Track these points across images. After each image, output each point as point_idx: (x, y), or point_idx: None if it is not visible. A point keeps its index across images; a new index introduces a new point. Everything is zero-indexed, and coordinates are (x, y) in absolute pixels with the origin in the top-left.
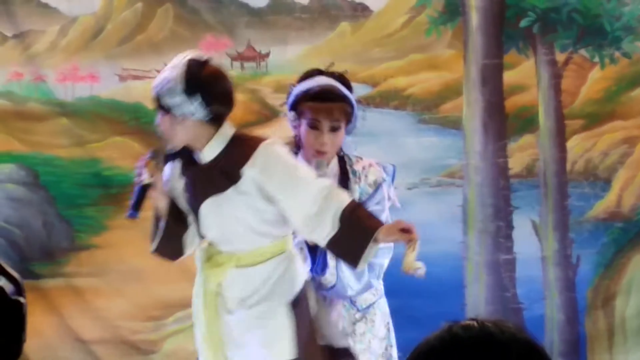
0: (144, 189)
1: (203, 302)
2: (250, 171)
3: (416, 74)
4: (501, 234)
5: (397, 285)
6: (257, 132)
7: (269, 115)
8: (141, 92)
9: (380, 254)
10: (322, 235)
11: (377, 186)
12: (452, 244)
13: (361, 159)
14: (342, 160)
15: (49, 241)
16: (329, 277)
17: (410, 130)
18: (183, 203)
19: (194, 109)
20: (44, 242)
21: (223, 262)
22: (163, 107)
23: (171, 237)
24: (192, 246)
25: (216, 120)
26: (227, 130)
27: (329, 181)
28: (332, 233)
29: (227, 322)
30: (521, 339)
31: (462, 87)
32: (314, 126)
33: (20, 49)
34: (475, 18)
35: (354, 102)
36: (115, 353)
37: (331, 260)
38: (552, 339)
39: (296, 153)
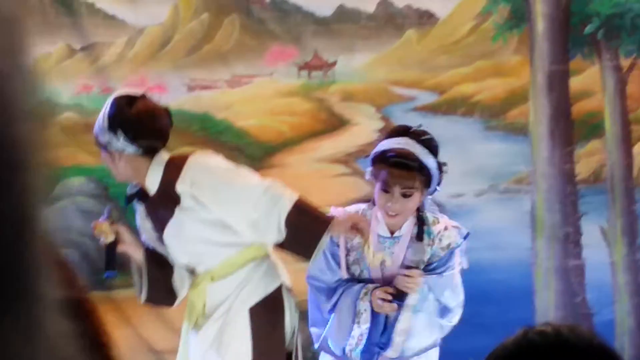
0: (111, 248)
1: (186, 326)
2: (182, 187)
3: (483, 80)
4: (570, 240)
5: (466, 293)
6: (325, 141)
7: (336, 124)
8: (209, 102)
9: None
10: (271, 240)
11: (451, 251)
12: (521, 250)
13: (439, 220)
14: (420, 220)
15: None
16: (391, 354)
17: (478, 137)
18: (157, 244)
19: (122, 145)
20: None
21: (200, 281)
22: (100, 144)
23: (158, 284)
24: (183, 287)
25: (150, 152)
26: (162, 157)
27: (268, 182)
28: (280, 239)
29: (193, 342)
30: (596, 345)
31: (528, 93)
32: (385, 190)
33: (89, 61)
34: (541, 24)
35: (432, 168)
36: None
37: (398, 337)
38: (623, 344)
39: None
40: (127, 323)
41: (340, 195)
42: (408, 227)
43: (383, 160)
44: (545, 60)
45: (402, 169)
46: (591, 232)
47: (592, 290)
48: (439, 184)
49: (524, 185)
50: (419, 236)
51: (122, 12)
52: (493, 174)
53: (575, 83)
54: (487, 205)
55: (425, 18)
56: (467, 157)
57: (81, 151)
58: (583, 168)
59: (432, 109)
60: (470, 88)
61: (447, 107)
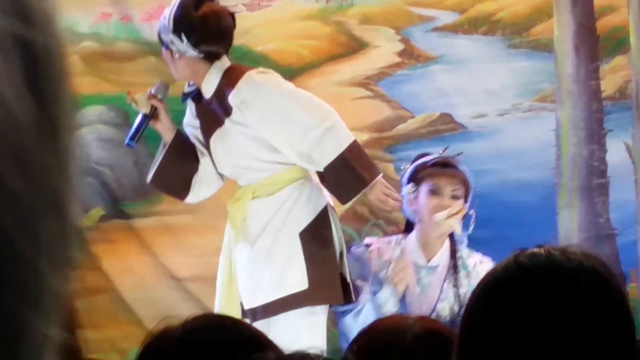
0: (145, 119)
1: (228, 240)
2: (234, 100)
3: None
4: (595, 158)
5: (490, 215)
6: (345, 64)
7: (355, 47)
8: None
9: None
10: (315, 169)
11: None
12: (546, 170)
13: (472, 254)
14: (454, 249)
15: (141, 181)
16: None
17: (501, 56)
18: (200, 145)
19: (184, 47)
20: (135, 182)
21: (241, 196)
22: (163, 42)
23: (173, 171)
24: (206, 189)
25: (211, 58)
26: (222, 64)
27: (325, 113)
28: (323, 172)
29: (239, 258)
30: (588, 268)
31: (552, 9)
32: (435, 192)
33: None
34: None
35: (470, 181)
36: (210, 290)
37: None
38: None
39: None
40: (149, 251)
41: (360, 118)
42: (443, 256)
43: (427, 167)
44: None
45: (450, 167)
46: (616, 149)
47: (616, 210)
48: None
49: (549, 103)
50: (455, 267)
51: None
52: (517, 92)
53: None
54: (510, 124)
55: None
56: (490, 76)
57: (101, 80)
58: (608, 84)
59: (453, 29)
60: (492, 6)
61: (468, 26)
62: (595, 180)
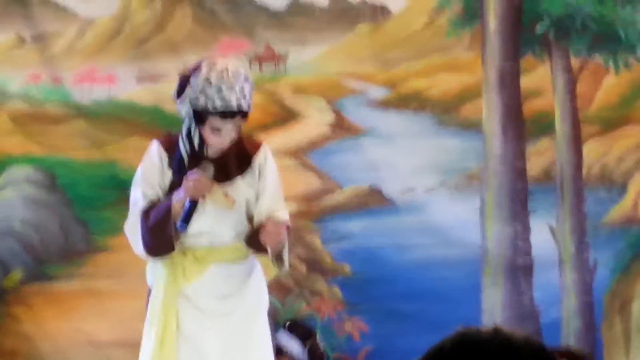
0: (196, 203)
1: (165, 298)
2: (256, 162)
3: (435, 75)
4: (519, 238)
5: (415, 290)
6: (275, 134)
7: (287, 116)
8: (158, 94)
9: None
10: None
11: None
12: (470, 248)
13: None
14: None
15: (66, 243)
16: None
17: (430, 133)
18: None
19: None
20: (60, 244)
21: (203, 256)
22: (245, 113)
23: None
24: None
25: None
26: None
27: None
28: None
29: (202, 324)
30: (535, 343)
31: (481, 89)
32: None
33: (38, 50)
34: (493, 22)
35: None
36: (131, 356)
37: None
38: (569, 343)
39: None
40: (68, 315)
41: (289, 188)
42: None
43: None
44: (496, 57)
45: None
46: (540, 230)
47: (540, 289)
48: None
49: (475, 182)
50: None
51: (74, 2)
52: (444, 169)
53: (527, 81)
54: (437, 201)
55: (379, 12)
56: (419, 152)
57: (29, 140)
58: (533, 166)
59: (384, 104)
60: (423, 83)
61: (399, 102)
62: (519, 260)
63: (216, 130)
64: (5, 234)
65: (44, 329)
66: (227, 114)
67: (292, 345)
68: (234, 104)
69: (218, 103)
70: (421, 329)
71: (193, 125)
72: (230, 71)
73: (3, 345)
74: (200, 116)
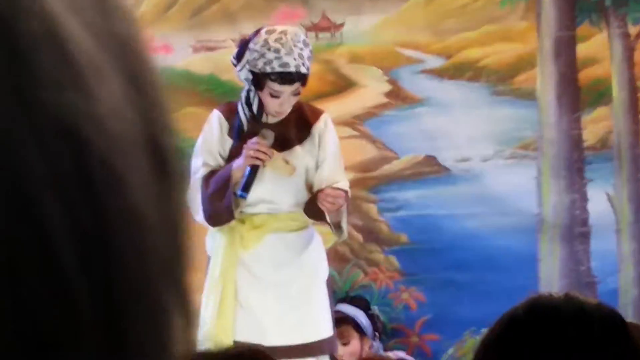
0: (255, 171)
1: (224, 266)
2: (316, 130)
3: (490, 45)
4: (576, 207)
5: (471, 259)
6: (332, 103)
7: (343, 85)
8: (215, 63)
9: None
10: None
11: None
12: (527, 217)
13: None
14: None
15: None
16: None
17: (484, 102)
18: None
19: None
20: None
21: (262, 224)
22: (304, 78)
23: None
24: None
25: None
26: None
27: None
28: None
29: (260, 292)
30: (605, 309)
31: (535, 59)
32: None
33: None
34: None
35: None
36: None
37: None
38: (626, 313)
39: None
40: None
41: (346, 157)
42: None
43: None
44: (552, 26)
45: None
46: (598, 198)
47: (597, 258)
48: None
49: (531, 151)
50: None
51: None
52: (500, 139)
53: (583, 49)
54: (493, 170)
55: None
56: (474, 122)
57: None
58: (590, 134)
59: (439, 73)
60: (477, 53)
61: (454, 72)
62: (576, 229)
63: (275, 95)
64: None
65: None
66: (286, 77)
67: (359, 315)
68: (292, 67)
69: (276, 66)
70: (478, 299)
71: (252, 90)
72: (289, 36)
73: None
74: (259, 81)
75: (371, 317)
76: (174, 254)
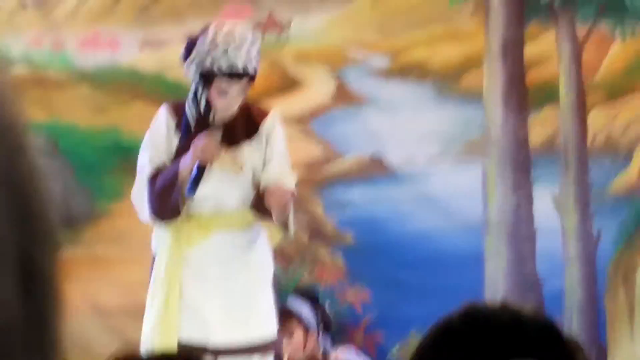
0: (203, 170)
1: (169, 265)
2: (264, 127)
3: (437, 45)
4: (522, 208)
5: (417, 259)
6: (278, 102)
7: (290, 85)
8: (161, 61)
9: None
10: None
11: None
12: (473, 217)
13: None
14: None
15: (68, 209)
16: None
17: (431, 102)
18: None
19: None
20: (62, 210)
21: (208, 222)
22: (252, 76)
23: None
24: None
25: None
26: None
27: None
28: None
29: (205, 290)
30: (542, 319)
31: (483, 59)
32: None
33: (41, 15)
34: None
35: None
36: (134, 322)
37: None
38: (572, 314)
39: None
40: (73, 280)
41: (293, 156)
42: None
43: None
44: (500, 26)
45: None
46: (544, 200)
47: (543, 259)
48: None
49: (477, 152)
50: None
51: None
52: (446, 139)
53: (531, 49)
54: (439, 171)
55: None
56: (420, 122)
57: (31, 106)
58: (537, 135)
59: (386, 73)
60: (425, 53)
61: (401, 72)
62: (522, 230)
63: (223, 93)
64: None
65: None
66: (234, 75)
67: (304, 309)
68: (239, 65)
69: (224, 64)
70: (423, 298)
71: (200, 88)
72: (237, 34)
73: None
74: (206, 78)
75: (317, 309)
76: None
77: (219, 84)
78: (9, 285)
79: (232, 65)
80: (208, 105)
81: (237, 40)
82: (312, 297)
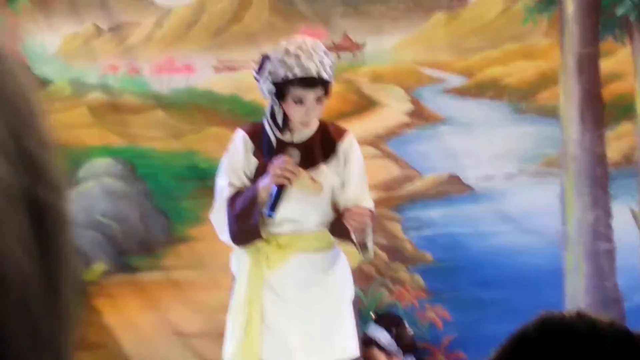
0: (283, 189)
1: (249, 287)
2: (341, 148)
3: (512, 63)
4: (600, 223)
5: (496, 277)
6: (354, 122)
7: (365, 105)
8: (237, 83)
9: None
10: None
11: None
12: (551, 234)
13: None
14: None
15: (146, 234)
16: None
17: (507, 120)
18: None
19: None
20: (141, 235)
21: (287, 244)
22: (326, 84)
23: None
24: None
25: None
26: None
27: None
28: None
29: (285, 312)
30: (618, 327)
31: (558, 76)
32: None
33: (116, 41)
34: (571, 7)
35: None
36: (215, 346)
37: None
38: None
39: None
40: (153, 306)
41: (369, 176)
42: None
43: None
44: (575, 42)
45: None
46: (622, 215)
47: (623, 275)
48: None
49: (554, 168)
50: None
51: None
52: (523, 157)
53: (606, 65)
54: (517, 188)
55: (456, 0)
56: (497, 140)
57: (108, 132)
58: (614, 151)
59: (461, 92)
60: (500, 71)
61: (476, 90)
62: (601, 245)
63: (298, 101)
64: (87, 226)
65: (127, 321)
66: (308, 81)
67: (380, 334)
68: (313, 71)
69: (297, 70)
70: (503, 316)
71: (276, 101)
72: (309, 43)
73: (87, 338)
74: (281, 90)
75: (398, 334)
76: (54, 316)
77: (294, 92)
78: (22, 230)
79: (306, 69)
80: (286, 120)
81: (310, 49)
82: (390, 320)
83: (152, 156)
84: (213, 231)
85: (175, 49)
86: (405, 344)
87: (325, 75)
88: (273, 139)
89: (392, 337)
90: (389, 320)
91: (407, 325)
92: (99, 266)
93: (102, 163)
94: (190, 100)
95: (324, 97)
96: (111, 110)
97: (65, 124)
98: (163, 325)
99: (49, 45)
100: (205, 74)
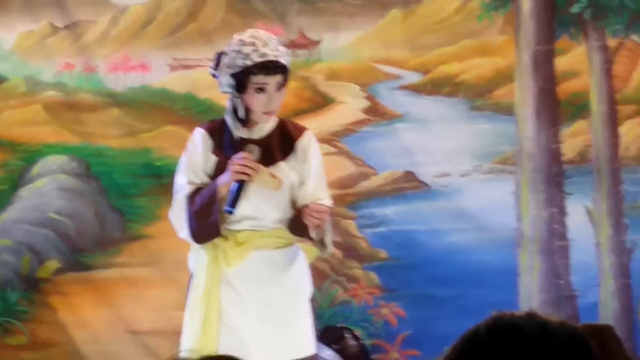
0: (243, 186)
1: (207, 284)
2: (300, 145)
3: (468, 60)
4: (555, 221)
5: (451, 274)
6: (310, 120)
7: (321, 102)
8: (192, 81)
9: None
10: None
11: None
12: (506, 232)
13: None
14: None
15: (101, 231)
16: None
17: (463, 117)
18: (207, 178)
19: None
20: (95, 233)
21: (245, 240)
22: (284, 70)
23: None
24: None
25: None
26: None
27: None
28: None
29: (243, 309)
30: (568, 328)
31: (514, 73)
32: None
33: (71, 39)
34: (526, 4)
35: None
36: (169, 344)
37: None
38: None
39: None
40: (107, 303)
41: (325, 173)
42: None
43: None
44: (530, 40)
45: None
46: (577, 212)
47: (577, 272)
48: None
49: (509, 166)
50: None
51: None
52: (478, 154)
53: (562, 63)
54: (472, 185)
55: None
56: (452, 137)
57: (63, 129)
58: (569, 148)
59: (417, 89)
60: (455, 68)
61: (432, 87)
62: (556, 243)
63: (259, 91)
64: (41, 223)
65: (81, 319)
66: (267, 66)
67: (325, 353)
68: (271, 56)
69: (255, 56)
70: (458, 314)
71: (236, 95)
72: (262, 33)
73: (40, 335)
74: (241, 81)
75: (342, 348)
76: None
77: (254, 80)
78: None
79: (264, 54)
80: (248, 112)
81: (264, 37)
82: (332, 335)
83: (107, 154)
84: (168, 229)
85: (131, 47)
86: (350, 356)
87: (283, 61)
88: (234, 132)
89: (335, 351)
90: (331, 335)
91: (351, 335)
92: (53, 264)
93: (57, 160)
94: (145, 98)
95: (284, 86)
96: (66, 107)
97: (20, 121)
98: (117, 322)
99: (4, 43)
100: (160, 72)
